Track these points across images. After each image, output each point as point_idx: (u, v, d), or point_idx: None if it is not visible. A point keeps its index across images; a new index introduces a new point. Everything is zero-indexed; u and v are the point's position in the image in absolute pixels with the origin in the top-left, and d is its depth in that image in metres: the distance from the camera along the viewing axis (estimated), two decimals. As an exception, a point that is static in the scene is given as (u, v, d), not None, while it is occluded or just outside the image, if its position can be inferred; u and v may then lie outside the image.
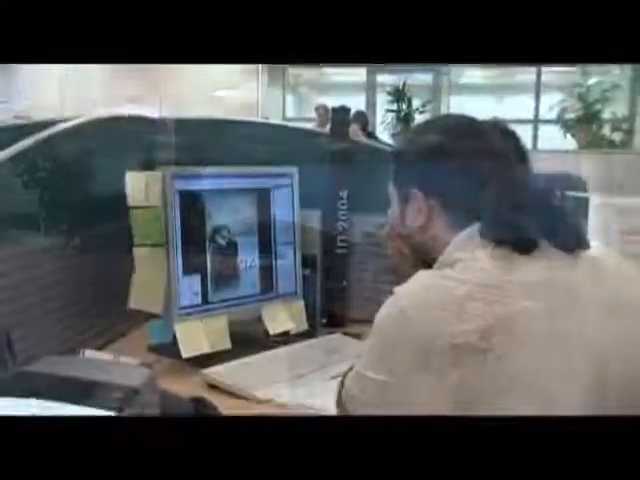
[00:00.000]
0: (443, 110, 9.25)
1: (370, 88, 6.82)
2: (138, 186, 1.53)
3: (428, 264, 1.06)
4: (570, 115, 7.57)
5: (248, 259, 1.69)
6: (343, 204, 1.89)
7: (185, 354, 1.52)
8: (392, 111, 8.17)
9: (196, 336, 1.56)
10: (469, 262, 0.95)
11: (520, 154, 1.07)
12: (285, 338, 1.72)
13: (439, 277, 0.94)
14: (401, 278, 1.16)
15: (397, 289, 0.95)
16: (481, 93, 9.18)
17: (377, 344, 0.94)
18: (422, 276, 0.96)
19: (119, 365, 1.39)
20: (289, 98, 10.14)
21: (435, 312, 0.89)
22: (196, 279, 1.59)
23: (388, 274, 1.25)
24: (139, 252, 1.55)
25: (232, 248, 1.66)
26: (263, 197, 1.73)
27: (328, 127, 1.91)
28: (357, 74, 9.01)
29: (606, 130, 7.67)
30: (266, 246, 1.73)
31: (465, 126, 1.07)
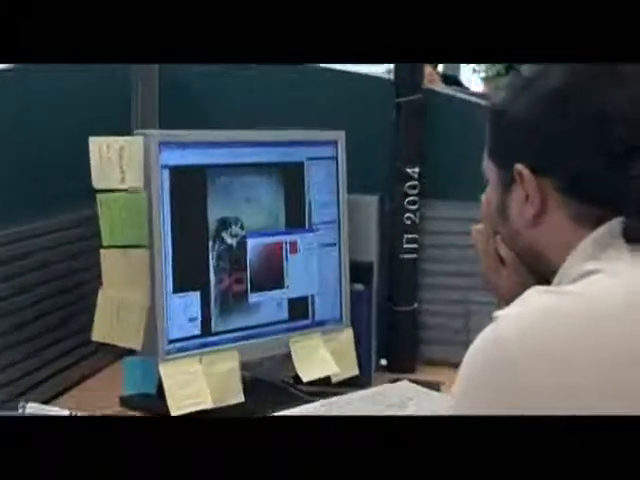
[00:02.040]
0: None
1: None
2: (107, 159, 1.53)
3: (543, 277, 1.06)
4: None
5: (270, 268, 1.70)
6: (413, 186, 1.89)
7: (176, 410, 1.52)
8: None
9: (192, 383, 1.56)
10: (606, 275, 0.95)
11: None
12: (325, 388, 1.72)
13: (561, 298, 0.95)
14: (501, 298, 1.17)
15: (498, 314, 0.95)
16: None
17: (467, 396, 0.94)
18: (535, 296, 0.96)
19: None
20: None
21: (555, 352, 0.89)
22: (193, 298, 1.60)
23: (481, 292, 1.24)
24: (109, 257, 1.55)
25: (246, 251, 1.67)
26: (293, 176, 1.73)
27: (390, 69, 1.91)
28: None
29: None
30: (297, 249, 1.74)
31: (599, 70, 1.04)
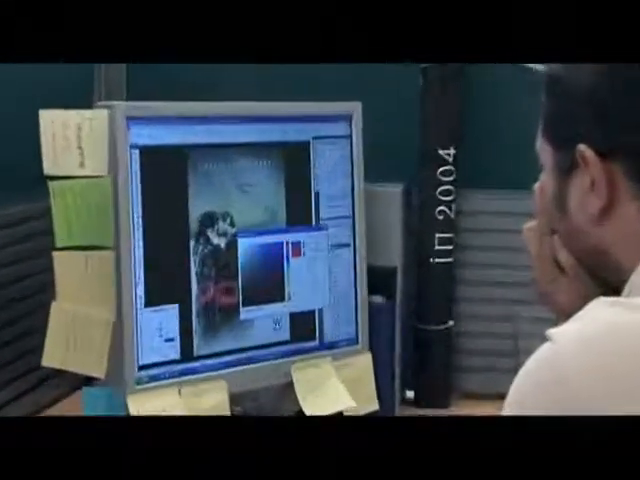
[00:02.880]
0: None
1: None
2: (63, 138, 1.53)
3: (610, 286, 1.06)
4: None
5: (267, 275, 1.71)
6: (446, 172, 1.88)
7: (149, 453, 1.53)
8: None
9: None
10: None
11: None
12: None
13: (630, 312, 0.95)
14: (560, 313, 1.16)
15: (553, 333, 0.95)
16: None
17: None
18: (599, 309, 0.97)
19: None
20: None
21: (623, 378, 0.90)
22: (170, 313, 1.59)
23: (534, 306, 1.23)
24: (64, 261, 1.54)
25: (237, 254, 1.66)
26: (296, 159, 1.72)
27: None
28: None
29: None
30: (301, 251, 1.73)
31: None
